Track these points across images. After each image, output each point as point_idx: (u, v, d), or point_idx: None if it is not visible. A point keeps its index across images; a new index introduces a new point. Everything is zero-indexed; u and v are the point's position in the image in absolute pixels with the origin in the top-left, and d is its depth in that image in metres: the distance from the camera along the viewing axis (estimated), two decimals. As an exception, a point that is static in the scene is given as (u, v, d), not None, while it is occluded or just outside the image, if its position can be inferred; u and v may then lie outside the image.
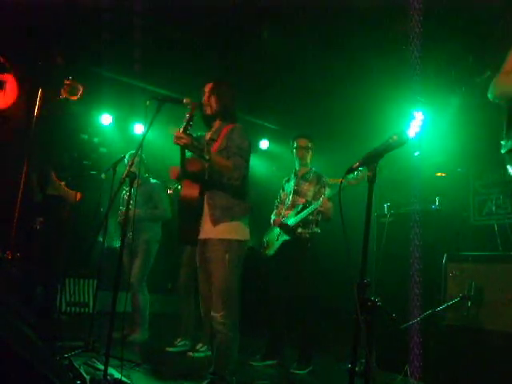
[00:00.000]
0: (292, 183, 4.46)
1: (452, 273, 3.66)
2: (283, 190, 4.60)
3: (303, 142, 4.43)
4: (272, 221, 4.48)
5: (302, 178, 4.43)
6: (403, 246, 4.14)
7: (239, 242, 2.93)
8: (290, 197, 4.40)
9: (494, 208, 4.61)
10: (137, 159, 4.73)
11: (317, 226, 4.30)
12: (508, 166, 2.20)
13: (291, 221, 4.22)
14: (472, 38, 4.22)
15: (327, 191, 4.21)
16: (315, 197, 4.27)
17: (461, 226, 4.59)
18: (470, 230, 4.76)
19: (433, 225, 4.13)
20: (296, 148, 4.44)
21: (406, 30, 4.27)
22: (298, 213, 4.20)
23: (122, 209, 4.58)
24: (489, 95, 2.10)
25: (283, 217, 4.34)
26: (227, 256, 2.85)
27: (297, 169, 4.50)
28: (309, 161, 4.46)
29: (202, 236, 2.98)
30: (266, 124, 7.08)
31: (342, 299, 4.10)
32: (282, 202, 4.53)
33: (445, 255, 3.74)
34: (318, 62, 5.16)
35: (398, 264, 4.16)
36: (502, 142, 2.14)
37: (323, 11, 4.36)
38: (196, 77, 3.33)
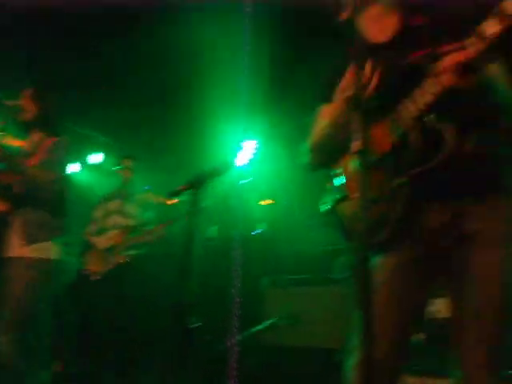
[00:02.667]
0: (114, 202, 4.30)
1: (271, 296, 3.90)
2: (100, 208, 4.34)
3: (129, 162, 4.42)
4: (90, 238, 4.23)
5: (125, 198, 4.32)
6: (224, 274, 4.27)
7: (44, 260, 2.74)
8: (114, 217, 4.24)
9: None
10: None
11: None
12: None
13: (125, 244, 4.09)
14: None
15: (151, 214, 4.31)
16: (140, 219, 4.24)
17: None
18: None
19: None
20: (122, 168, 4.40)
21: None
22: (127, 235, 4.10)
23: None
24: None
25: (110, 238, 4.14)
26: (27, 273, 2.66)
27: (118, 188, 4.41)
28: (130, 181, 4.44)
29: (6, 254, 2.75)
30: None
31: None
32: (96, 220, 4.31)
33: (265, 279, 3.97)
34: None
35: (219, 284, 4.27)
36: None
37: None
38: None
